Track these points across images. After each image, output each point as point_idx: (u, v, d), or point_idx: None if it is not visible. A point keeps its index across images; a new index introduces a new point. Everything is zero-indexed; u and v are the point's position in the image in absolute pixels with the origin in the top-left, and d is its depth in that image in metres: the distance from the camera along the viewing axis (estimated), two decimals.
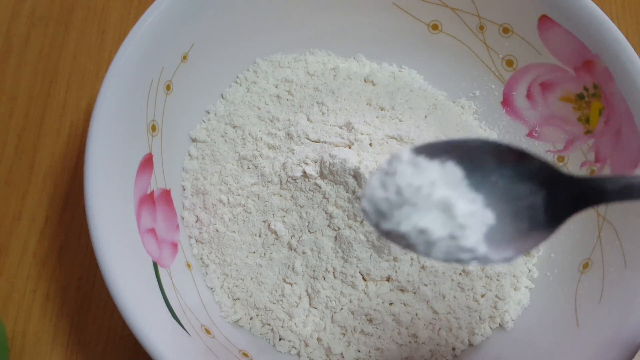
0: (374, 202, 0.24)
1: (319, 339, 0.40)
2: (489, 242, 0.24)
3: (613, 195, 0.24)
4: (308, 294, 0.41)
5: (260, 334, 0.41)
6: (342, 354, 0.40)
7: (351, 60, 0.49)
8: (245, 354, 0.39)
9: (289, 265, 0.40)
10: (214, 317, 0.40)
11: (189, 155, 0.45)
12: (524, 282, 0.42)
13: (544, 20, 0.42)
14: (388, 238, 0.25)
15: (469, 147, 0.26)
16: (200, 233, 0.42)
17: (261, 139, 0.44)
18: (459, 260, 0.24)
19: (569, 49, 0.41)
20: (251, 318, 0.41)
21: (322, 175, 0.40)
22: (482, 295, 0.41)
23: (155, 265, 0.37)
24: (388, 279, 0.40)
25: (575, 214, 0.25)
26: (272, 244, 0.41)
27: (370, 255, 0.39)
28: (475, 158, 0.25)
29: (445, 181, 0.24)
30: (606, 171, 0.41)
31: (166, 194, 0.41)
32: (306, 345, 0.40)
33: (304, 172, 0.40)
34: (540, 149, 0.45)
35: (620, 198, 0.24)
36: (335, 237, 0.40)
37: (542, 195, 0.25)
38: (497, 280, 0.41)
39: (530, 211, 0.25)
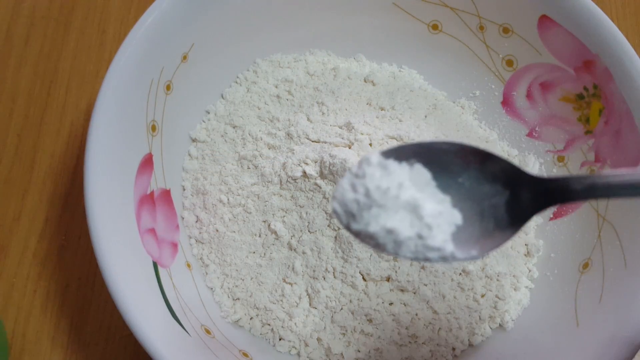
0: (344, 203, 0.25)
1: (319, 339, 0.40)
2: (455, 241, 0.25)
3: (578, 194, 0.25)
4: (308, 294, 0.41)
5: (260, 334, 0.41)
6: (342, 354, 0.40)
7: (351, 60, 0.49)
8: (245, 354, 0.39)
9: (289, 265, 0.40)
10: (214, 317, 0.40)
11: (189, 155, 0.45)
12: (524, 282, 0.42)
13: (544, 20, 0.42)
14: (358, 238, 0.26)
15: (437, 150, 0.27)
16: (200, 233, 0.42)
17: (261, 139, 0.44)
18: (426, 259, 0.25)
19: (569, 49, 0.41)
20: (251, 318, 0.41)
21: (322, 175, 0.40)
22: (482, 295, 0.41)
23: (155, 265, 0.37)
24: (388, 279, 0.40)
25: (539, 212, 0.26)
26: (272, 244, 0.41)
27: (370, 255, 0.39)
28: (443, 160, 0.26)
29: (413, 183, 0.25)
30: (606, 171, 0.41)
31: (166, 194, 0.41)
32: (306, 345, 0.40)
33: (304, 172, 0.40)
34: (540, 148, 0.45)
35: (585, 197, 0.25)
36: (335, 237, 0.40)
37: (507, 195, 0.26)
38: (497, 280, 0.41)
39: (495, 211, 0.26)
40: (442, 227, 0.25)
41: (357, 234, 0.26)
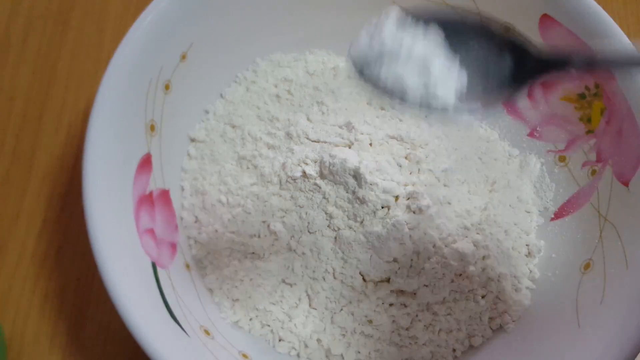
0: (360, 51, 0.28)
1: (318, 340, 0.40)
2: (459, 95, 0.28)
3: (576, 65, 0.28)
4: (308, 295, 0.40)
5: (260, 335, 0.40)
6: (341, 355, 0.40)
7: None
8: (244, 355, 0.39)
9: (288, 266, 0.40)
10: (213, 318, 0.40)
11: (188, 155, 0.44)
12: (525, 282, 0.42)
13: (545, 20, 0.42)
14: (368, 82, 0.28)
15: (453, 18, 0.30)
16: (199, 233, 0.42)
17: (260, 139, 0.44)
18: (429, 106, 0.28)
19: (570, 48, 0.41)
20: (250, 319, 0.41)
21: (321, 176, 0.40)
22: (483, 296, 0.41)
23: (154, 265, 0.37)
24: (388, 280, 0.40)
25: (540, 78, 0.29)
26: (271, 245, 0.41)
27: (371, 256, 0.39)
28: (457, 26, 0.29)
29: (427, 40, 0.28)
30: (608, 171, 0.41)
31: (165, 194, 0.41)
32: (306, 346, 0.40)
33: (304, 172, 0.40)
34: (541, 148, 0.45)
35: (583, 68, 0.28)
36: (335, 238, 0.40)
37: (512, 61, 0.29)
38: (498, 281, 0.41)
39: (499, 72, 0.29)
40: (448, 82, 0.28)
41: (368, 79, 0.28)
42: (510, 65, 0.29)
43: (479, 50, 0.29)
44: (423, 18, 0.28)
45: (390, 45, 0.27)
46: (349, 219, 0.40)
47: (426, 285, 0.40)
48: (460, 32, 0.29)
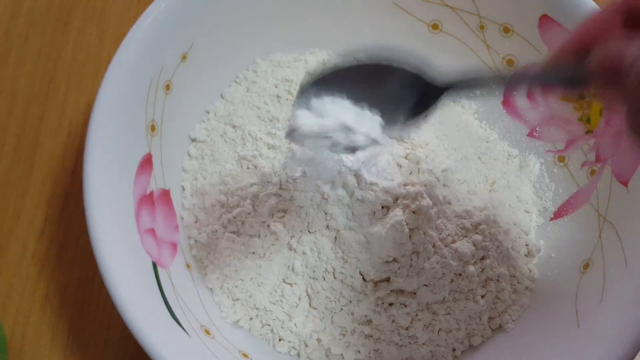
0: (300, 156, 0.33)
1: (318, 340, 0.40)
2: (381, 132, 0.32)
3: (463, 88, 0.31)
4: (308, 295, 0.40)
5: (260, 334, 0.40)
6: (341, 354, 0.40)
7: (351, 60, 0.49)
8: (245, 355, 0.39)
9: (288, 266, 0.40)
10: (214, 318, 0.40)
11: (189, 155, 0.45)
12: (525, 282, 0.42)
13: (545, 20, 0.42)
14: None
15: (354, 71, 0.32)
16: (199, 233, 0.42)
17: (261, 139, 0.44)
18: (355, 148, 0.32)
19: None
20: (251, 319, 0.41)
21: None
22: (482, 296, 0.41)
23: (154, 265, 0.37)
24: (388, 279, 0.40)
25: (437, 103, 0.32)
26: (271, 245, 0.41)
27: (370, 256, 0.39)
28: (357, 78, 0.32)
29: (337, 110, 0.31)
30: (607, 171, 0.41)
31: (165, 194, 0.41)
32: (306, 345, 0.40)
33: (304, 172, 0.40)
34: (540, 148, 0.45)
35: (468, 88, 0.32)
36: (335, 238, 0.40)
37: (415, 93, 0.32)
38: (497, 281, 0.41)
39: (406, 106, 0.32)
40: (372, 129, 0.31)
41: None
42: (415, 98, 0.32)
43: (386, 93, 0.32)
44: (326, 94, 0.32)
45: (315, 138, 0.31)
46: (348, 219, 0.40)
47: (426, 285, 0.40)
48: (368, 75, 0.32)
